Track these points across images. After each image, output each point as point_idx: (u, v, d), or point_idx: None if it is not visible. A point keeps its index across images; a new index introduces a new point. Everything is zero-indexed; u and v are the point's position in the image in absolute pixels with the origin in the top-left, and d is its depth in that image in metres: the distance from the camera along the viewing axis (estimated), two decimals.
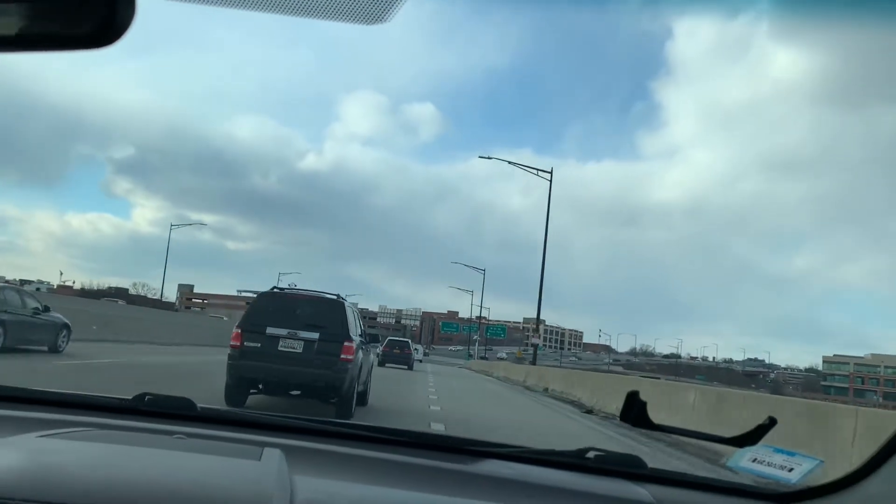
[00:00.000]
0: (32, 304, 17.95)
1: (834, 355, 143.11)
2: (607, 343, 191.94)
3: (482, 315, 75.41)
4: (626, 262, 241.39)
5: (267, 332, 10.15)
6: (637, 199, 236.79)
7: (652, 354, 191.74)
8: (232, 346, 10.20)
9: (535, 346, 40.52)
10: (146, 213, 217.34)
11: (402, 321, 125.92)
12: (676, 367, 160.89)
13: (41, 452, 1.46)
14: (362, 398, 11.50)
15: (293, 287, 11.88)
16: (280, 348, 10.13)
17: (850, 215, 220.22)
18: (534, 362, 39.66)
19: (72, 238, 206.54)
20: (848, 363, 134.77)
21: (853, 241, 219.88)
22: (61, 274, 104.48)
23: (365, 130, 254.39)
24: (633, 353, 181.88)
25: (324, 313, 10.55)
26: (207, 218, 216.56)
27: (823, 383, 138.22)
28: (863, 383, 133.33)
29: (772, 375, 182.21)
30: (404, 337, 51.57)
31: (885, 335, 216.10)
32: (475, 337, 73.17)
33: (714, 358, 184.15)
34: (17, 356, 15.31)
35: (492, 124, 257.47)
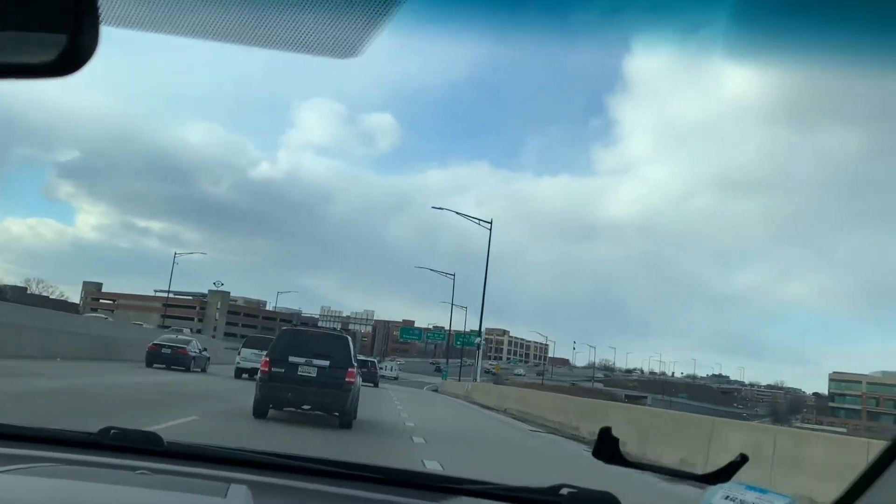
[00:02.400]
0: (200, 346, 33.54)
1: (834, 373, 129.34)
2: (567, 357, 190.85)
3: (481, 326, 54.02)
4: (581, 276, 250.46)
5: (289, 360, 13.68)
6: (592, 215, 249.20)
7: (611, 369, 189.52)
8: (262, 371, 13.91)
9: None
10: (90, 219, 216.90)
11: (351, 326, 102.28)
12: (662, 385, 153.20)
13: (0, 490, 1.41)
14: (355, 413, 14.36)
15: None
16: (299, 373, 13.60)
17: (796, 234, 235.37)
18: None
19: (11, 243, 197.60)
20: (860, 382, 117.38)
21: (798, 259, 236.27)
22: (26, 289, 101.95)
23: (320, 139, 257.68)
24: (590, 367, 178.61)
25: (332, 345, 14.31)
26: (155, 225, 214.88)
27: (832, 404, 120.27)
28: (877, 405, 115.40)
29: (742, 392, 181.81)
30: (355, 344, 39.53)
31: (826, 352, 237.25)
32: (478, 341, 50.64)
33: (674, 373, 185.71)
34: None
35: (450, 136, 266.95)
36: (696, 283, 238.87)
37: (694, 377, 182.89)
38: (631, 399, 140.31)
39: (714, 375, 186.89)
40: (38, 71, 1.11)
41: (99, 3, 1.07)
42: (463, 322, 70.17)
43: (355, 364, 14.22)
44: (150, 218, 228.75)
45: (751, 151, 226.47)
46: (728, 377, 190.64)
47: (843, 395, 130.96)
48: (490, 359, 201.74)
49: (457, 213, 47.93)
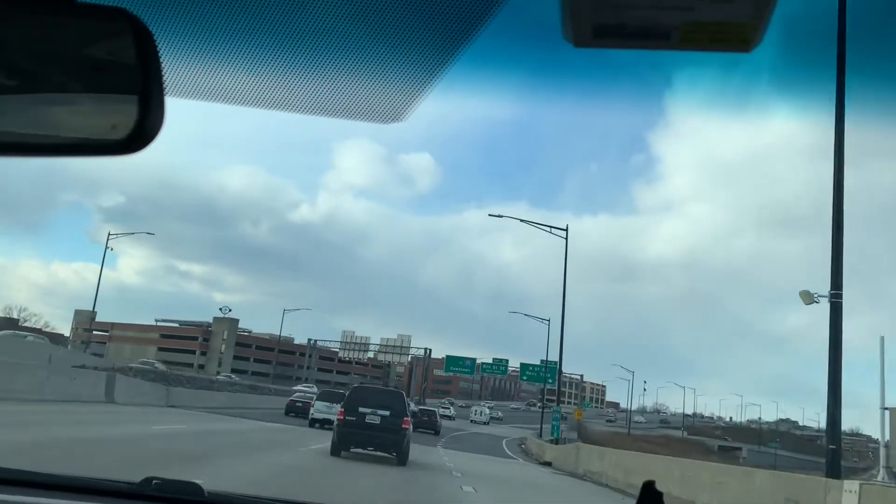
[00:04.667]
0: None
1: None
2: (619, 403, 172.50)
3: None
4: (622, 316, 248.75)
5: (359, 410, 17.91)
6: (633, 254, 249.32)
7: (663, 412, 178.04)
8: (338, 419, 18.46)
9: None
10: (133, 263, 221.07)
11: (381, 356, 79.19)
12: (754, 434, 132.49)
13: None
14: (408, 453, 18.92)
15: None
16: (366, 420, 17.79)
17: (846, 273, 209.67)
18: None
19: (57, 287, 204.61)
20: None
21: (849, 299, 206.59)
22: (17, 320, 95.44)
23: (359, 181, 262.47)
24: (641, 411, 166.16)
25: (391, 399, 19.09)
26: (196, 268, 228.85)
27: None
28: None
29: (822, 440, 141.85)
30: (387, 384, 61.95)
31: (879, 394, 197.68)
32: None
33: (732, 418, 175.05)
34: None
35: (488, 175, 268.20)
36: (743, 323, 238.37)
37: (756, 421, 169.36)
38: (724, 450, 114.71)
39: (782, 420, 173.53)
40: (109, 149, 1.22)
41: (165, 78, 1.18)
42: (544, 349, 59.12)
43: (409, 414, 19.46)
44: (192, 261, 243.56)
45: (798, 188, 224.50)
46: (797, 422, 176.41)
47: None
48: (541, 400, 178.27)
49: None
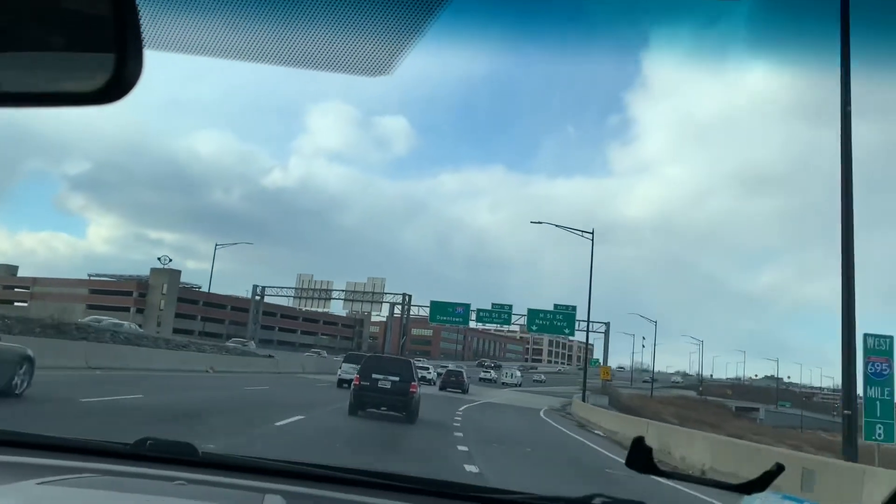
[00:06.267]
0: None
1: None
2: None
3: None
4: (597, 278, 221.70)
5: (372, 376, 21.32)
6: (608, 215, 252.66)
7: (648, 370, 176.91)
8: (354, 384, 21.63)
9: None
10: (102, 231, 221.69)
11: (349, 307, 63.55)
12: (776, 394, 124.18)
13: (40, 500, 1.50)
14: (417, 413, 22.83)
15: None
16: (379, 385, 21.13)
17: (817, 233, 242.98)
18: None
19: (23, 258, 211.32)
20: None
21: (819, 258, 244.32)
22: None
23: (333, 145, 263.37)
24: (622, 368, 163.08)
25: (400, 366, 22.16)
26: (167, 236, 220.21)
27: None
28: None
29: (818, 397, 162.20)
30: (360, 343, 62.15)
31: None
32: None
33: (712, 374, 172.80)
34: None
35: (464, 139, 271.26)
36: (712, 282, 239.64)
37: (738, 379, 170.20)
38: (742, 411, 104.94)
39: (768, 377, 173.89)
40: (84, 99, 1.17)
41: (143, 30, 1.14)
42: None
43: (417, 379, 22.04)
44: (163, 229, 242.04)
45: (771, 148, 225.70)
46: (782, 378, 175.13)
47: None
48: (527, 361, 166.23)
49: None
